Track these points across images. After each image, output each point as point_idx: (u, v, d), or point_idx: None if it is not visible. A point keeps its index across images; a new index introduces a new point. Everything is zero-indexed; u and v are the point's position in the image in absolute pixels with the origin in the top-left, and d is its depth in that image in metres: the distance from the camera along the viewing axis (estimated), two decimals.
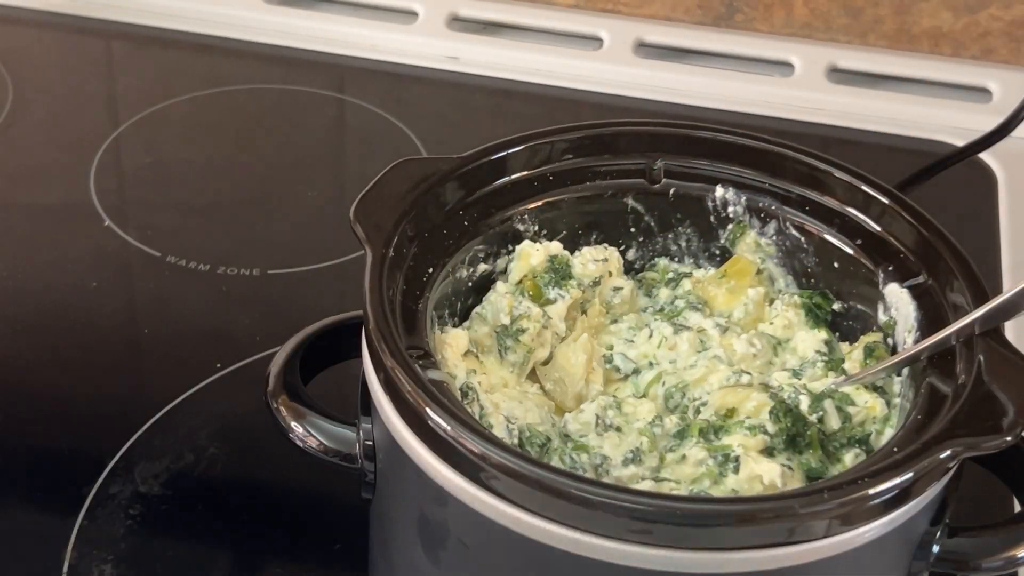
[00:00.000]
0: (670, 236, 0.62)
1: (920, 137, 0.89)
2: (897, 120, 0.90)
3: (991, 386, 0.50)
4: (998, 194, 0.85)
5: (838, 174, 0.59)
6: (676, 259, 0.62)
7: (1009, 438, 0.48)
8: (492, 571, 0.50)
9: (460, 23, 0.97)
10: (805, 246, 0.59)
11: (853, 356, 0.57)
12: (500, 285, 0.57)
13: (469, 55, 0.95)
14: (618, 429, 0.53)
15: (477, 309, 0.57)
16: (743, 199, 0.60)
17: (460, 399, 0.51)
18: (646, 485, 0.51)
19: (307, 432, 0.54)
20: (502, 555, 0.49)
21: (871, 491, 0.46)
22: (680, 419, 0.54)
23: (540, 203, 0.58)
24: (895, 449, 0.49)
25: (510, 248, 0.58)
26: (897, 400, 0.55)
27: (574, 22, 0.97)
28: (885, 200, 0.58)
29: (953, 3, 0.93)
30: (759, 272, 0.60)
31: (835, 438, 0.54)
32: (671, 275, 0.61)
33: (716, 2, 0.96)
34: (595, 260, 0.59)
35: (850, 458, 0.53)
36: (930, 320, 0.55)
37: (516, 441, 0.52)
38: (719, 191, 0.60)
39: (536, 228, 0.59)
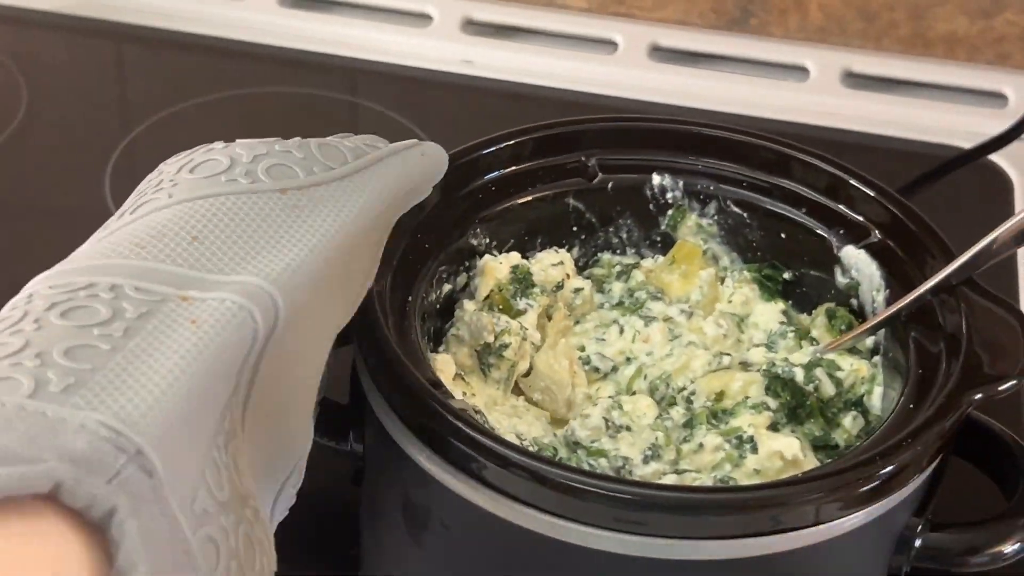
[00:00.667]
0: (611, 229, 0.62)
1: (935, 142, 0.89)
2: (912, 125, 0.90)
3: (985, 333, 0.52)
4: (1013, 198, 0.85)
5: (771, 146, 0.61)
6: (618, 251, 0.63)
7: (1014, 381, 0.50)
8: (477, 556, 0.51)
9: (474, 26, 0.97)
10: (748, 221, 0.61)
11: (818, 323, 0.58)
12: (467, 303, 0.57)
13: (483, 59, 0.95)
14: (628, 428, 0.53)
15: (452, 331, 0.57)
16: (680, 183, 0.61)
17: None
18: (670, 479, 0.51)
19: None
20: (487, 541, 0.50)
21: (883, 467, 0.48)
22: (686, 409, 0.54)
23: (487, 214, 0.59)
24: (911, 405, 0.50)
25: (467, 264, 0.59)
26: (877, 359, 0.56)
27: (588, 26, 0.96)
28: (822, 166, 0.59)
29: (968, 8, 0.93)
30: (703, 253, 0.61)
31: (832, 404, 0.55)
32: (618, 268, 0.61)
33: (730, 6, 0.96)
34: (552, 265, 0.59)
35: (849, 421, 0.55)
36: (897, 277, 0.56)
37: None
38: (656, 179, 0.61)
39: (487, 240, 0.59)
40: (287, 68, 0.95)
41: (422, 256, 0.56)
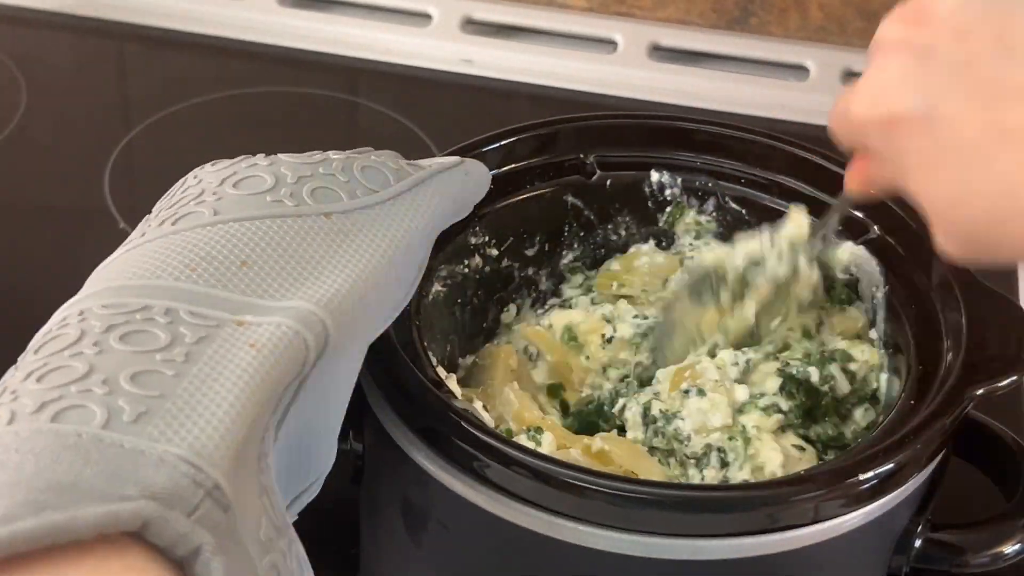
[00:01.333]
0: (610, 227, 0.62)
1: None
2: None
3: (985, 329, 0.52)
4: None
5: (770, 143, 0.61)
6: (615, 249, 0.63)
7: (1015, 377, 0.50)
8: (474, 555, 0.51)
9: (474, 26, 0.97)
10: (747, 217, 0.60)
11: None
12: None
13: (483, 58, 0.95)
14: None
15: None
16: (679, 180, 0.61)
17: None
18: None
19: None
20: (486, 540, 0.50)
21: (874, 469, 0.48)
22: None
23: (486, 211, 0.59)
24: (912, 402, 0.50)
25: (465, 263, 0.59)
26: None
27: (588, 25, 0.96)
28: (822, 163, 0.59)
29: None
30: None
31: (846, 400, 0.55)
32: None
33: (730, 5, 0.96)
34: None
35: (860, 414, 0.55)
36: (897, 273, 0.57)
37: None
38: (654, 175, 0.61)
39: (486, 238, 0.59)
40: (287, 68, 0.95)
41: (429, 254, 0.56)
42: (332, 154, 0.50)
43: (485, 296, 0.61)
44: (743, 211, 0.61)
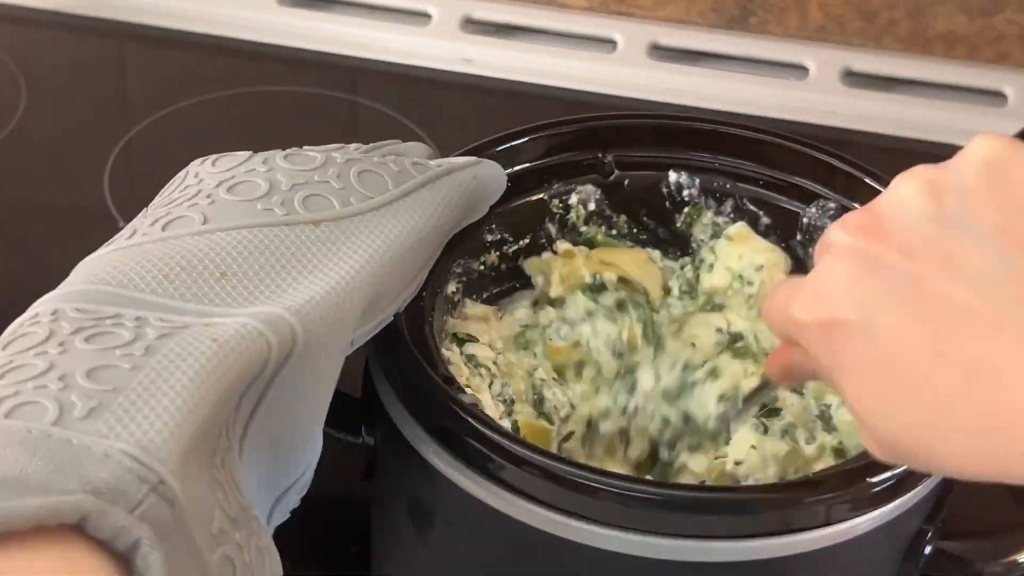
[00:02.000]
0: (626, 227, 0.62)
1: (935, 141, 0.89)
2: (912, 123, 0.90)
3: None
4: None
5: (789, 145, 0.61)
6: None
7: None
8: (482, 553, 0.51)
9: (474, 25, 0.97)
10: (765, 219, 0.60)
11: None
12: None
13: (483, 57, 0.95)
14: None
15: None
16: (697, 181, 0.61)
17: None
18: None
19: None
20: (494, 538, 0.50)
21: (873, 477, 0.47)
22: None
23: (503, 209, 0.58)
24: None
25: (481, 259, 0.59)
26: None
27: (588, 24, 0.96)
28: (839, 165, 0.59)
29: (968, 7, 0.92)
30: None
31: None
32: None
33: (730, 5, 0.96)
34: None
35: None
36: None
37: None
38: (672, 176, 0.61)
39: (503, 235, 0.59)
40: (287, 67, 0.95)
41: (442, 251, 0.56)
42: (337, 157, 0.50)
43: (500, 293, 0.61)
44: (760, 212, 0.61)
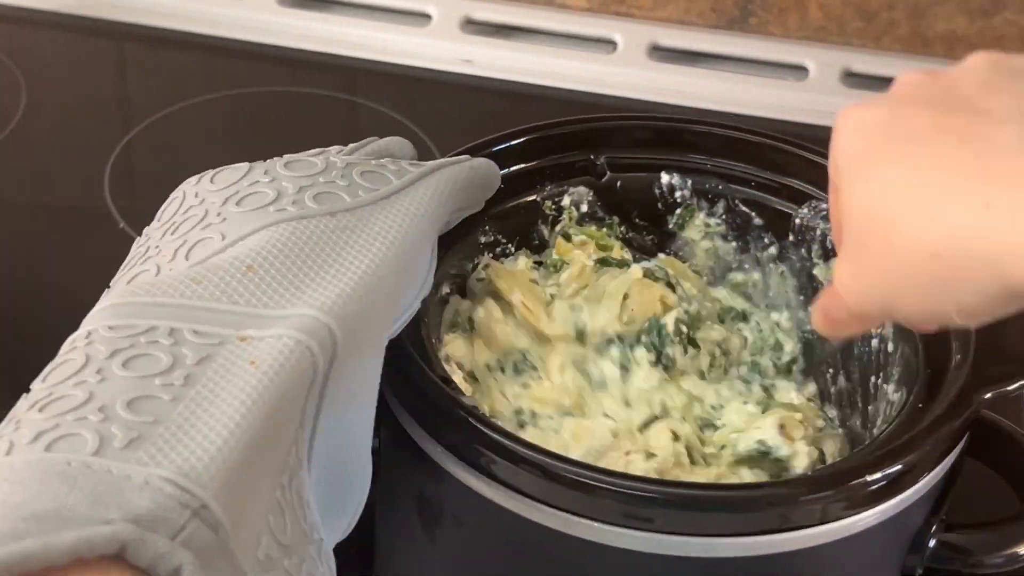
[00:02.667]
0: (619, 228, 0.62)
1: None
2: None
3: (994, 332, 0.51)
4: None
5: (781, 146, 0.61)
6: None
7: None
8: (488, 551, 0.51)
9: (473, 26, 0.97)
10: (757, 220, 0.60)
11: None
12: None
13: (482, 58, 0.95)
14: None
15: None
16: (689, 183, 0.61)
17: None
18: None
19: None
20: (499, 536, 0.50)
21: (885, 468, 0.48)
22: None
23: (496, 211, 0.59)
24: (920, 405, 0.50)
25: (475, 261, 0.59)
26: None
27: (588, 25, 0.96)
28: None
29: (968, 7, 0.93)
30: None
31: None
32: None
33: (730, 5, 0.96)
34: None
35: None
36: None
37: None
38: (665, 177, 0.61)
39: (496, 237, 0.59)
40: (287, 68, 0.95)
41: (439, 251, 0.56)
42: (336, 160, 0.50)
43: None
44: (752, 213, 0.61)
